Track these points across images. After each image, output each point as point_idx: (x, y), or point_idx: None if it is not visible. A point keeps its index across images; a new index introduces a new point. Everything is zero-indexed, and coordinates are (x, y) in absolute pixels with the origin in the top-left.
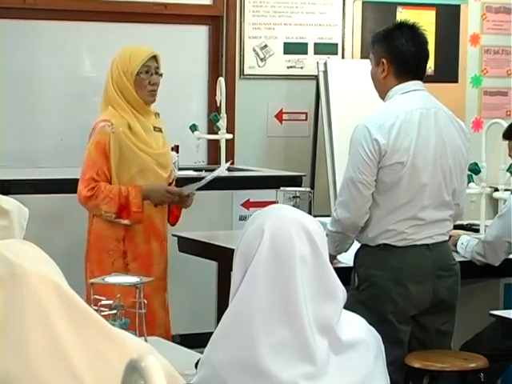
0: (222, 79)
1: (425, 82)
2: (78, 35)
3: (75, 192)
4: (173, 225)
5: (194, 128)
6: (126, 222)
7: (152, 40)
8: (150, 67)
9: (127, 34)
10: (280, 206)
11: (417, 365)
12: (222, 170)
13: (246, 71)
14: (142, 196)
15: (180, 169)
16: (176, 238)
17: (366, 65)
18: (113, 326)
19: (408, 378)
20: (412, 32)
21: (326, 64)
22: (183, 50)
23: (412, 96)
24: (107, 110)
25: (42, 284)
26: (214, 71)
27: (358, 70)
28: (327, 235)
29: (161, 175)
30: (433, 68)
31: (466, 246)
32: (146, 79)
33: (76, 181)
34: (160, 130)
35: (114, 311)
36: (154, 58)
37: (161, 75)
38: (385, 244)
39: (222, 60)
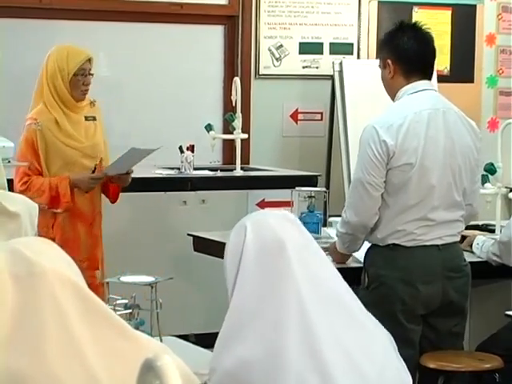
0: (237, 79)
1: (440, 81)
2: (93, 35)
3: None
4: (113, 202)
5: (209, 128)
6: (58, 210)
7: (168, 40)
8: (85, 70)
9: (143, 34)
10: (260, 212)
11: (432, 365)
12: (145, 151)
13: (262, 71)
14: (71, 186)
15: (195, 168)
16: (191, 238)
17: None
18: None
19: (423, 378)
20: (414, 31)
21: (341, 64)
22: (199, 49)
23: (421, 96)
24: (38, 106)
25: (60, 283)
26: (230, 71)
27: (373, 70)
28: (337, 236)
29: (87, 166)
30: (448, 68)
31: (482, 246)
32: (80, 80)
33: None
34: (94, 119)
35: (129, 310)
36: (89, 59)
37: (92, 75)
38: (394, 244)
39: (238, 60)
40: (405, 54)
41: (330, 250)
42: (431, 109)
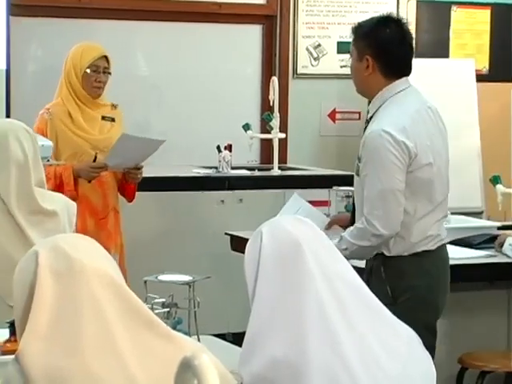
0: (275, 78)
1: (479, 81)
2: (132, 34)
3: None
4: (130, 201)
5: (246, 127)
6: None
7: (206, 39)
8: (98, 66)
9: (182, 34)
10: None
11: (470, 364)
12: (143, 140)
13: (300, 70)
14: (74, 175)
15: (233, 168)
16: (229, 237)
17: (419, 64)
18: (165, 324)
19: (461, 377)
20: (399, 29)
21: None
22: (237, 49)
23: (409, 94)
24: (56, 99)
25: (99, 280)
26: (268, 70)
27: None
28: (346, 249)
29: (97, 157)
30: (487, 67)
31: None
32: (92, 76)
33: None
34: (112, 120)
35: (167, 309)
36: (105, 58)
37: (109, 73)
38: (423, 251)
39: (276, 59)
40: (390, 56)
41: None
42: (423, 105)
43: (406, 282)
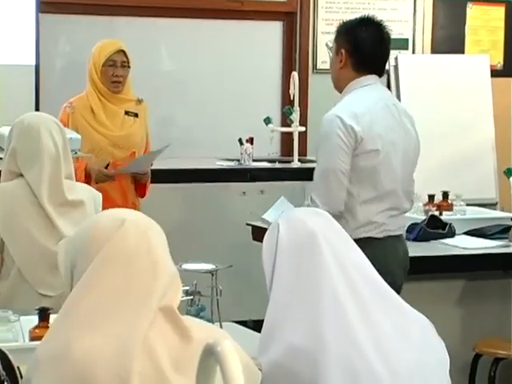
0: (295, 73)
1: (494, 76)
2: (157, 31)
3: None
4: (142, 197)
5: (268, 121)
6: None
7: (229, 35)
8: (115, 61)
9: (205, 30)
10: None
11: (484, 351)
12: (155, 152)
13: (319, 66)
14: (86, 172)
15: (254, 160)
16: (250, 227)
17: (436, 60)
18: (188, 311)
19: (475, 364)
20: (375, 28)
21: (396, 59)
22: (258, 45)
23: (373, 89)
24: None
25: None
26: (288, 66)
27: (428, 65)
28: None
29: (116, 155)
30: (501, 62)
31: None
32: (110, 71)
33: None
34: (136, 115)
35: (191, 297)
36: (123, 52)
37: (128, 67)
38: (366, 237)
39: (296, 55)
40: (362, 50)
41: None
42: (384, 100)
43: None
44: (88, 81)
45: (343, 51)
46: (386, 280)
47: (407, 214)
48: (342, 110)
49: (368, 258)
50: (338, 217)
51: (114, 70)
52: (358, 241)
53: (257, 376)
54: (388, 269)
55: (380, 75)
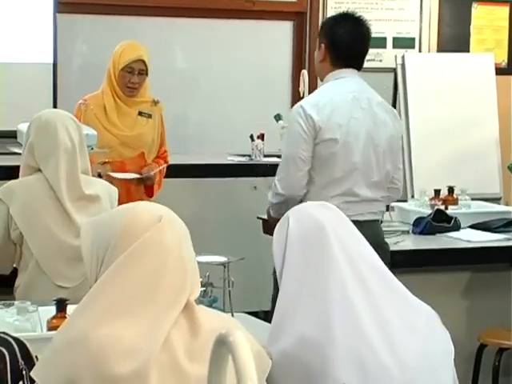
0: (304, 72)
1: (498, 74)
2: (171, 30)
3: None
4: (149, 197)
5: (278, 118)
6: None
7: (240, 34)
8: (133, 69)
9: (218, 29)
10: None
11: (489, 342)
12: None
13: None
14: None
15: (265, 155)
16: (261, 221)
17: (442, 58)
18: (201, 302)
19: (480, 354)
20: (355, 24)
21: (403, 57)
22: (269, 44)
23: (346, 81)
24: (97, 91)
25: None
26: (298, 64)
27: (434, 64)
28: (270, 206)
29: (125, 155)
30: (506, 61)
31: None
32: (126, 77)
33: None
34: (149, 116)
35: (203, 288)
36: (143, 61)
37: (146, 75)
38: None
39: (305, 54)
40: (339, 45)
41: (268, 217)
42: (355, 92)
43: None
44: (106, 78)
45: (323, 46)
46: None
47: (412, 208)
48: (306, 101)
49: None
50: (299, 202)
51: (131, 77)
52: None
53: (267, 364)
54: None
55: (358, 69)
